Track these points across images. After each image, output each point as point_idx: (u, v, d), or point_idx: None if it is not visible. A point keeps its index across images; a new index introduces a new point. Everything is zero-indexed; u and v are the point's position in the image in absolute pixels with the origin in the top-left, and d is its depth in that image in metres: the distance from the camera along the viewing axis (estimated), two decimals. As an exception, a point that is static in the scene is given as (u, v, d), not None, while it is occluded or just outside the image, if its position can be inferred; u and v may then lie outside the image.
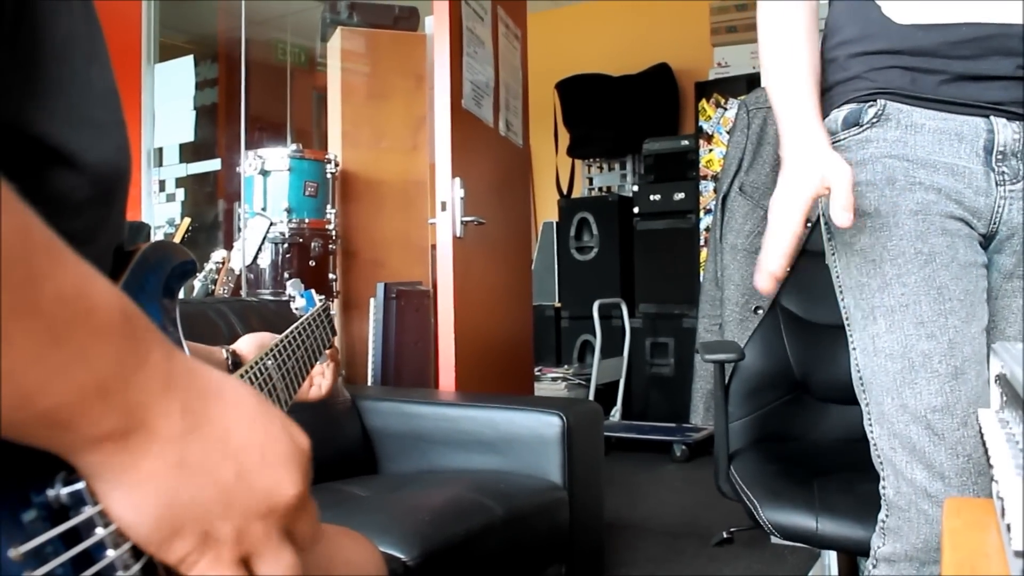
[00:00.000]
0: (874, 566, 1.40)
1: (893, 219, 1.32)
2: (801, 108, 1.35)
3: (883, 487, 1.38)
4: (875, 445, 1.38)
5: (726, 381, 2.06)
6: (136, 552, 0.52)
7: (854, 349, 1.41)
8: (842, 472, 1.85)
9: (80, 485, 0.50)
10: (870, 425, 1.39)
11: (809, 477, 1.87)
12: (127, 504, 0.50)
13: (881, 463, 1.37)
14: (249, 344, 1.23)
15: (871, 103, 1.37)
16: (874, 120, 1.37)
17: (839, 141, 1.40)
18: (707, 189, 5.57)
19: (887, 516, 1.37)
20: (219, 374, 0.57)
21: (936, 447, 1.28)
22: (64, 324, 0.44)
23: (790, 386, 2.18)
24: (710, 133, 5.61)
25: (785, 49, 1.39)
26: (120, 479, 0.50)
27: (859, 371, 1.40)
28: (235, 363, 1.17)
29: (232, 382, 0.58)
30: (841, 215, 1.24)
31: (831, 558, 2.27)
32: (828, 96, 1.43)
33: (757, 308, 2.14)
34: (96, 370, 0.46)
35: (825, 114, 1.42)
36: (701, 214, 5.58)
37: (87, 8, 0.67)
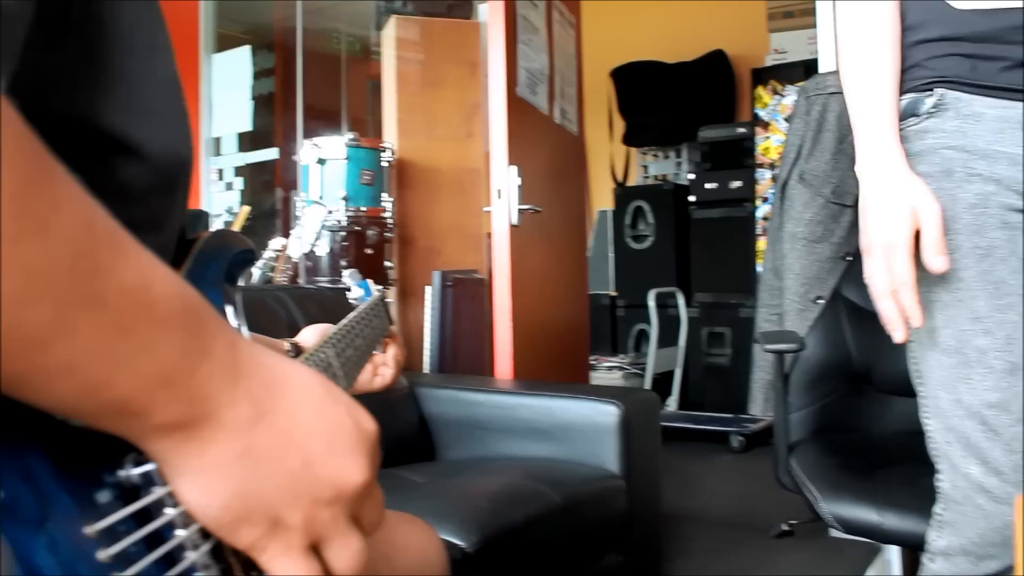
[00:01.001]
0: (931, 560, 1.39)
1: (950, 213, 1.29)
2: (880, 128, 1.33)
3: (938, 480, 1.37)
4: (931, 438, 1.37)
5: (786, 371, 2.04)
6: (206, 532, 0.53)
7: (910, 341, 1.39)
8: (906, 465, 1.82)
9: (150, 466, 0.51)
10: (926, 418, 1.38)
11: (872, 469, 1.84)
12: (194, 490, 0.51)
13: (937, 456, 1.37)
14: (312, 336, 1.24)
15: (929, 93, 1.35)
16: (932, 110, 1.34)
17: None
18: (763, 177, 5.50)
19: (943, 509, 1.36)
20: (285, 361, 0.58)
21: (992, 443, 1.28)
22: (128, 315, 0.45)
23: (851, 377, 2.15)
24: (766, 120, 5.54)
25: (867, 57, 1.36)
26: (187, 466, 0.50)
27: (915, 363, 1.39)
28: (297, 355, 1.18)
29: (298, 369, 0.58)
30: (935, 260, 1.25)
31: (893, 553, 2.23)
32: None
33: (817, 298, 2.11)
34: (161, 361, 0.47)
35: None
36: (757, 203, 5.52)
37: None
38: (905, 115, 1.36)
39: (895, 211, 1.26)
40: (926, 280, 1.32)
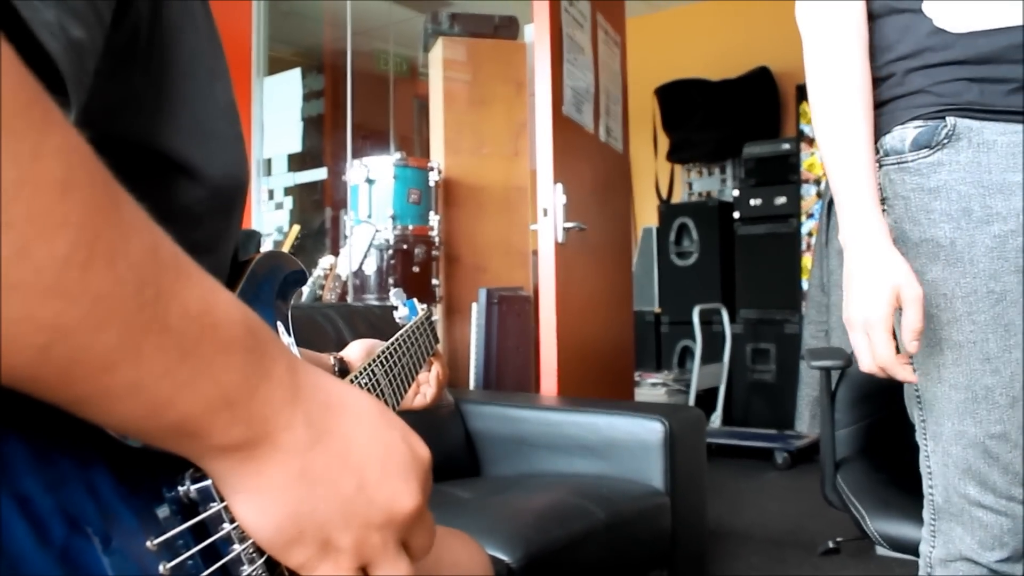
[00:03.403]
0: (930, 570, 1.41)
1: (968, 255, 1.29)
2: (861, 198, 1.31)
3: (930, 493, 1.41)
4: (927, 456, 1.41)
5: (833, 388, 2.03)
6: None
7: (914, 370, 1.39)
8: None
9: (208, 482, 0.52)
10: (924, 439, 1.41)
11: (920, 487, 1.83)
12: (250, 509, 0.52)
13: (931, 473, 1.40)
14: (357, 351, 1.24)
15: (940, 120, 1.32)
16: (944, 141, 1.31)
17: (907, 163, 1.34)
18: (809, 193, 5.48)
19: (936, 519, 1.40)
20: (342, 385, 0.58)
21: (990, 468, 1.32)
22: (191, 339, 0.46)
23: (899, 394, 2.13)
24: (812, 136, 5.51)
25: (841, 124, 1.34)
26: (243, 486, 0.51)
27: (917, 390, 1.41)
28: (342, 370, 1.18)
29: (355, 393, 0.59)
30: (911, 344, 1.26)
31: (942, 571, 2.21)
32: (887, 110, 1.38)
33: (864, 314, 2.10)
34: (222, 383, 0.48)
35: (886, 130, 1.37)
36: (803, 218, 5.49)
37: (210, 25, 0.70)
38: (918, 145, 1.33)
39: (877, 289, 1.26)
40: (939, 318, 1.33)
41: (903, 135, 1.35)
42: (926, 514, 1.42)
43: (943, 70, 1.32)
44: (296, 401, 0.53)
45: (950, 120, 1.31)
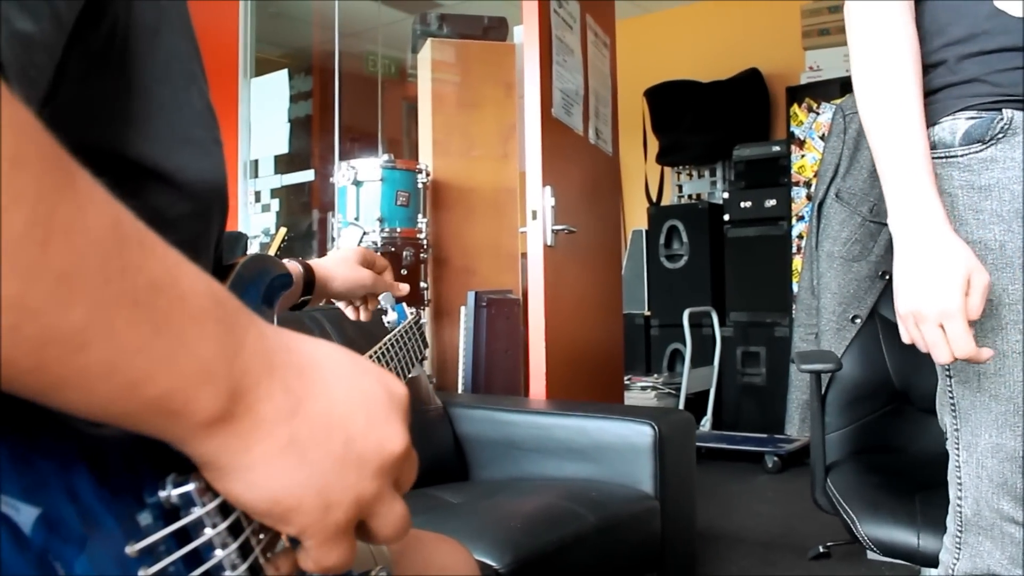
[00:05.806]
0: None
1: (1019, 260, 1.22)
2: (917, 183, 1.22)
3: (958, 504, 1.35)
4: (958, 467, 1.35)
5: (823, 391, 2.02)
6: (243, 551, 0.54)
7: (949, 376, 1.36)
8: (945, 486, 1.79)
9: (189, 487, 0.51)
10: (956, 448, 1.36)
11: (911, 491, 1.82)
12: (243, 488, 0.51)
13: (961, 484, 1.35)
14: (334, 262, 1.22)
15: (996, 112, 1.24)
16: (999, 135, 1.23)
17: (956, 158, 1.27)
18: (799, 196, 5.48)
19: (963, 531, 1.35)
20: (311, 342, 0.58)
21: None
22: (162, 312, 0.45)
23: (890, 397, 2.13)
24: (802, 138, 5.51)
25: (889, 91, 1.25)
26: (234, 465, 0.50)
27: (952, 398, 1.35)
28: (309, 281, 1.16)
29: (324, 347, 0.58)
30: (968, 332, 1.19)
31: None
32: (937, 99, 1.29)
33: (855, 317, 2.09)
34: (199, 355, 0.47)
35: (934, 120, 1.29)
36: (793, 221, 5.49)
37: (187, 29, 0.69)
38: (970, 139, 1.25)
39: (950, 278, 1.17)
40: (983, 325, 1.26)
41: (953, 127, 1.27)
42: (951, 524, 1.38)
43: (1001, 57, 1.24)
44: (273, 370, 0.52)
45: (1007, 113, 1.24)
